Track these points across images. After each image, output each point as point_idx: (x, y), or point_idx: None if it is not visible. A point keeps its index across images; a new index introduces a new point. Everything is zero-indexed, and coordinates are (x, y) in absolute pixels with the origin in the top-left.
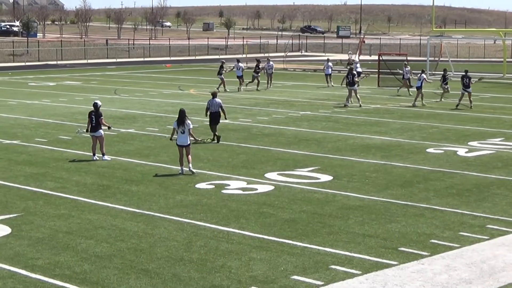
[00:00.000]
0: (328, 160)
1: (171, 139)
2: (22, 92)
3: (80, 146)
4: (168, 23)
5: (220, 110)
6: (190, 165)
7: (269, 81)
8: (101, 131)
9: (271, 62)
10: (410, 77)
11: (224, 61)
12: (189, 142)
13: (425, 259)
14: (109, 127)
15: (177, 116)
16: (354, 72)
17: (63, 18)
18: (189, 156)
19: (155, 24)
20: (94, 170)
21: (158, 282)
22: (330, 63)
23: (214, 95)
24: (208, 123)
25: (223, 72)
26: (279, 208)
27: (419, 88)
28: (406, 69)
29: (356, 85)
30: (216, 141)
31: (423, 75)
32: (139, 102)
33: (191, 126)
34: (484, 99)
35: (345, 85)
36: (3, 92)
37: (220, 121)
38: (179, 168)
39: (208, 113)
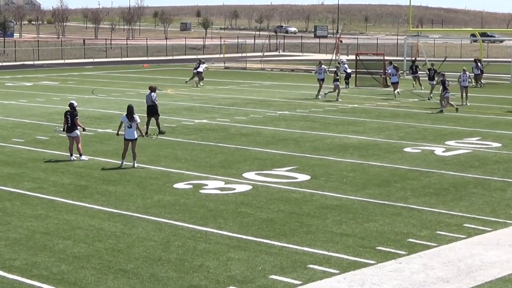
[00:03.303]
0: (305, 160)
1: (117, 134)
2: None
3: (57, 146)
4: (294, 29)
5: (153, 103)
6: (135, 160)
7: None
8: (77, 131)
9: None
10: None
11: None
12: (136, 137)
13: (402, 258)
14: (83, 129)
15: (126, 111)
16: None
17: (40, 18)
18: (135, 151)
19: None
20: (72, 170)
21: (136, 282)
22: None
23: (150, 89)
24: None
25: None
26: (257, 208)
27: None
28: (465, 75)
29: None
30: (155, 135)
31: (466, 73)
32: (116, 102)
33: (138, 121)
34: (459, 99)
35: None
36: None
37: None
38: (120, 162)
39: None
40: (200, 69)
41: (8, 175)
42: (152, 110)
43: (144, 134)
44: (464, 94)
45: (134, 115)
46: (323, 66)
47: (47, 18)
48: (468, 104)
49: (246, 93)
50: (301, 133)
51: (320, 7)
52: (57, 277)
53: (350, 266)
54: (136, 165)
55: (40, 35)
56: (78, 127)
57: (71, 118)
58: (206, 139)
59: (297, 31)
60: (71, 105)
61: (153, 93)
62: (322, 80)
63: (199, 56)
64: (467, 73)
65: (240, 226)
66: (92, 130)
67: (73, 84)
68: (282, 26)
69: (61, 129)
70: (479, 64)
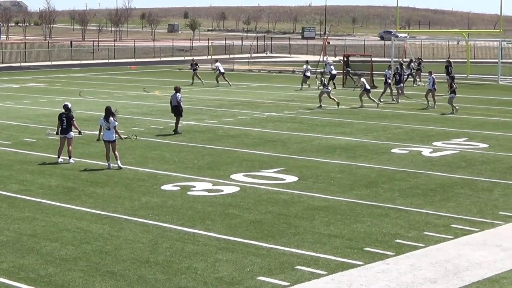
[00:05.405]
0: (293, 161)
1: (98, 139)
2: None
3: (44, 148)
4: (403, 34)
5: (177, 103)
6: (118, 161)
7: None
8: (72, 133)
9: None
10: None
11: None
12: (114, 138)
13: (390, 259)
14: (79, 132)
15: (104, 113)
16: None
17: (27, 19)
18: (116, 152)
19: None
20: (59, 172)
21: (123, 285)
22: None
23: (175, 89)
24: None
25: None
26: (245, 209)
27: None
28: (430, 78)
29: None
30: (134, 135)
31: (433, 76)
32: (104, 104)
33: (115, 124)
34: (447, 99)
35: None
36: None
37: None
38: (107, 163)
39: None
40: (221, 69)
41: None
42: (175, 111)
43: (121, 136)
44: (428, 96)
45: (110, 117)
46: (387, 70)
47: (34, 20)
48: (433, 107)
49: (234, 95)
50: (288, 134)
51: (307, 9)
52: (45, 279)
53: (337, 267)
54: (120, 164)
55: (27, 37)
56: (74, 129)
57: (67, 120)
58: (193, 140)
59: (407, 36)
60: (65, 106)
61: (178, 94)
62: (389, 84)
63: (214, 57)
64: (432, 76)
65: (228, 228)
66: (75, 131)
67: (60, 86)
68: (390, 31)
69: (54, 132)
70: (412, 64)
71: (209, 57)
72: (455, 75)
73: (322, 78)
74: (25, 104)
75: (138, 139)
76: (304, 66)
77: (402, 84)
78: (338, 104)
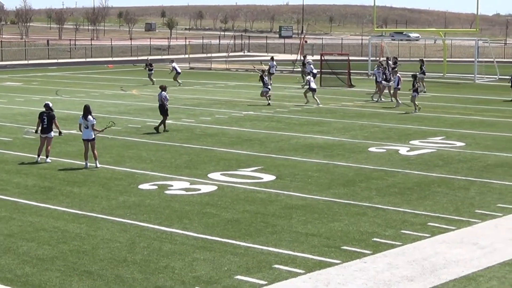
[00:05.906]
0: (271, 160)
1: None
2: None
3: (20, 147)
4: (416, 35)
5: (163, 102)
6: (96, 161)
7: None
8: (53, 133)
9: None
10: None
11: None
12: (93, 137)
13: (367, 258)
14: (60, 132)
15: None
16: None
17: (3, 18)
18: (95, 151)
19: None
20: (36, 171)
21: (101, 284)
22: (274, 62)
23: (161, 88)
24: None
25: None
26: (222, 208)
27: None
28: (397, 75)
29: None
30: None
31: (398, 75)
32: (80, 103)
33: (94, 122)
34: (425, 98)
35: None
36: None
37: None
38: (84, 163)
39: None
40: (178, 70)
41: None
42: (160, 109)
43: (99, 130)
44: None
45: (88, 116)
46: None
47: (10, 19)
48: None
49: (211, 94)
50: (266, 133)
51: (285, 7)
52: (21, 279)
53: (315, 266)
54: (98, 165)
55: (3, 36)
56: (55, 128)
57: (48, 119)
58: (171, 139)
59: (419, 37)
60: (46, 105)
61: (163, 92)
62: (380, 82)
63: (170, 57)
64: (398, 75)
65: (205, 227)
66: (56, 131)
67: (37, 85)
68: (401, 32)
69: (33, 131)
70: (389, 61)
71: (186, 55)
72: (429, 74)
73: (264, 76)
74: (1, 103)
75: (114, 139)
76: (270, 63)
77: (390, 83)
78: (268, 104)
